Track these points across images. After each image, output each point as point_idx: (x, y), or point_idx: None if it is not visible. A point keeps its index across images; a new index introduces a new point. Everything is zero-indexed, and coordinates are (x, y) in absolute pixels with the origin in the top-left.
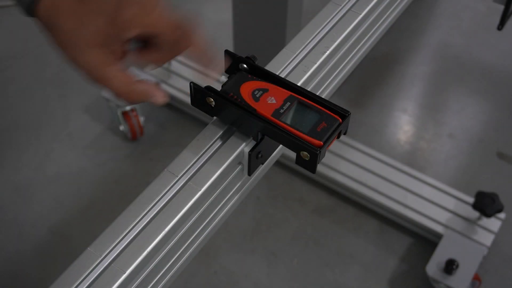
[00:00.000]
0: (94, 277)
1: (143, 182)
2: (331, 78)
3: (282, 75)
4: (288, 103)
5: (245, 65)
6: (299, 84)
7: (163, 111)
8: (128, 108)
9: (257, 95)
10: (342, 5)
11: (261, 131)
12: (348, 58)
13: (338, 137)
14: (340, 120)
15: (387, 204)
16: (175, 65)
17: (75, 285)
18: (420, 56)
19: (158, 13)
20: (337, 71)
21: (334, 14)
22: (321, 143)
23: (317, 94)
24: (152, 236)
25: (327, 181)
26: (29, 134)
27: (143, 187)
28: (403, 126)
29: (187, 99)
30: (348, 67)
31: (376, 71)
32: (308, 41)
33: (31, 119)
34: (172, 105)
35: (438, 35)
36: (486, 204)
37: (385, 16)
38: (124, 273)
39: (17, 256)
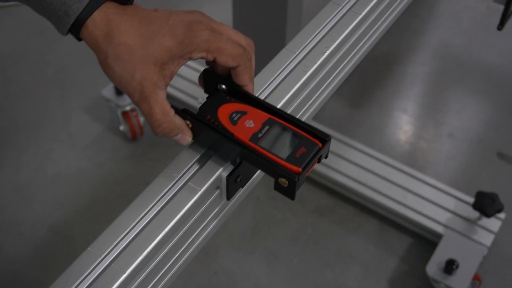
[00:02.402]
0: (94, 277)
1: (143, 182)
2: (331, 78)
3: (282, 75)
4: (267, 127)
5: (223, 86)
6: (297, 86)
7: None
8: (128, 108)
9: (235, 118)
10: (342, 5)
11: (238, 156)
12: (348, 58)
13: (319, 161)
14: (320, 145)
15: (387, 204)
16: None
17: (75, 285)
18: (420, 56)
19: (225, 40)
20: (337, 71)
21: (334, 14)
22: (300, 169)
23: (317, 94)
24: (152, 236)
25: (327, 181)
26: (29, 134)
27: (143, 187)
28: (403, 126)
29: (187, 99)
30: (348, 67)
31: (376, 71)
32: (308, 41)
33: (31, 119)
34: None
35: (438, 35)
36: (486, 204)
37: (385, 16)
38: (124, 273)
39: (17, 256)
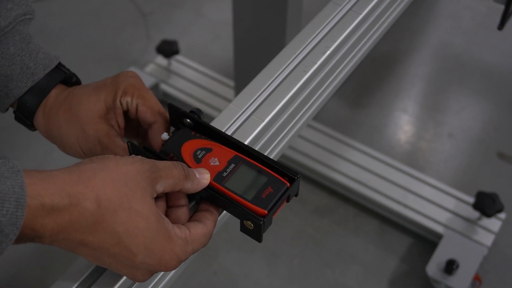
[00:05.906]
0: (94, 277)
1: None
2: (332, 78)
3: (282, 75)
4: (233, 165)
5: (189, 120)
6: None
7: None
8: None
9: (199, 156)
10: (343, 5)
11: (202, 197)
12: (349, 58)
13: (288, 201)
14: (288, 184)
15: (387, 204)
16: (175, 65)
17: (75, 285)
18: (420, 56)
19: (151, 93)
20: (338, 71)
21: (334, 14)
22: (266, 212)
23: (317, 94)
24: None
25: (327, 181)
26: (29, 134)
27: None
28: (403, 126)
29: (187, 99)
30: (349, 67)
31: (376, 71)
32: (308, 41)
33: None
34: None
35: (438, 35)
36: (486, 204)
37: (385, 16)
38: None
39: (17, 256)
